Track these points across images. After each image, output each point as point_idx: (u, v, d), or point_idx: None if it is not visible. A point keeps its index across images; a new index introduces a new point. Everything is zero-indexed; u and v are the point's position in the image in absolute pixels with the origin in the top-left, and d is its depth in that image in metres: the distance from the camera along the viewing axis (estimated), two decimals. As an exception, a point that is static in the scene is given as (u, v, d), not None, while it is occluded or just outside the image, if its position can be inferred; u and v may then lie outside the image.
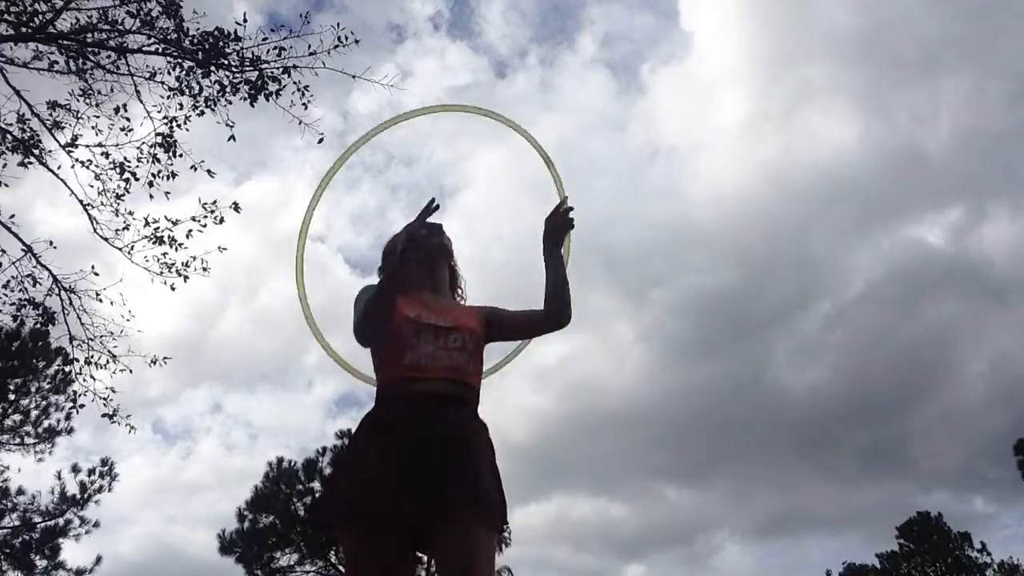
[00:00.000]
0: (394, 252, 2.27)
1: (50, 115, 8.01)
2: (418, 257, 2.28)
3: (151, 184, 8.12)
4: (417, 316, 2.22)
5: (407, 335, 2.19)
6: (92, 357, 8.55)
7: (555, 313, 2.38)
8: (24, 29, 7.44)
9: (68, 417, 15.26)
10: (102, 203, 8.31)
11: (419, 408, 2.10)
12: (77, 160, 8.13)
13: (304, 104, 7.68)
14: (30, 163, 8.01)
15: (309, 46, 7.55)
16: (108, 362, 8.55)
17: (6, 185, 7.81)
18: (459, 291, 2.54)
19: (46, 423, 15.50)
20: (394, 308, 2.18)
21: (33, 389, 15.58)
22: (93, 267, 8.30)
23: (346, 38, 7.51)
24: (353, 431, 2.19)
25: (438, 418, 2.09)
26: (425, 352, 2.17)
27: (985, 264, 52.10)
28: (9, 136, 7.93)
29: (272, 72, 7.72)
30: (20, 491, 15.43)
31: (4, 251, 8.14)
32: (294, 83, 7.69)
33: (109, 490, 15.91)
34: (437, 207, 2.18)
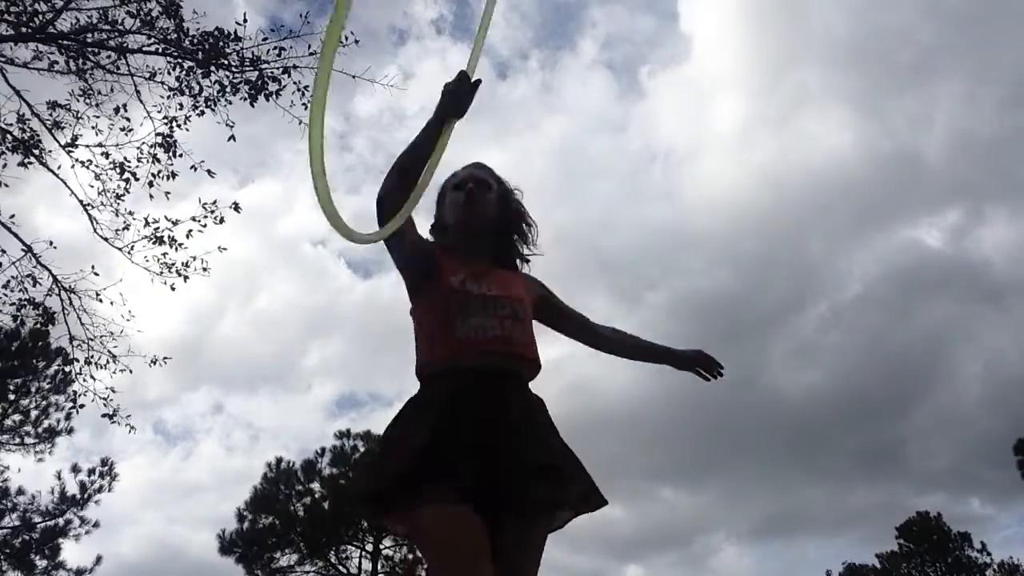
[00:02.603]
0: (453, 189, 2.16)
1: (50, 115, 8.01)
2: (472, 227, 2.12)
3: (151, 184, 8.13)
4: (461, 285, 2.00)
5: (452, 307, 1.96)
6: (92, 357, 8.55)
7: (607, 346, 2.34)
8: (24, 29, 7.44)
9: (68, 417, 15.28)
10: (102, 203, 8.32)
11: (472, 386, 1.88)
12: (77, 160, 8.13)
13: (304, 104, 7.68)
14: (30, 163, 8.01)
15: (309, 46, 7.57)
16: (108, 362, 8.55)
17: (6, 185, 7.81)
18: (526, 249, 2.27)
19: (46, 423, 15.53)
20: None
21: (33, 389, 15.59)
22: (93, 267, 8.30)
23: (346, 38, 7.51)
24: (398, 413, 1.95)
25: (492, 398, 1.87)
26: (472, 324, 1.95)
27: (982, 266, 52.12)
28: (9, 136, 7.92)
29: (272, 72, 7.73)
30: (20, 491, 15.47)
31: (4, 251, 8.14)
32: (294, 83, 7.71)
33: (109, 490, 15.97)
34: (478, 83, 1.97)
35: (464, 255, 2.08)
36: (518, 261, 2.23)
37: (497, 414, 1.84)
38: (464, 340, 1.92)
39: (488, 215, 2.15)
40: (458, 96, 1.96)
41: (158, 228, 8.35)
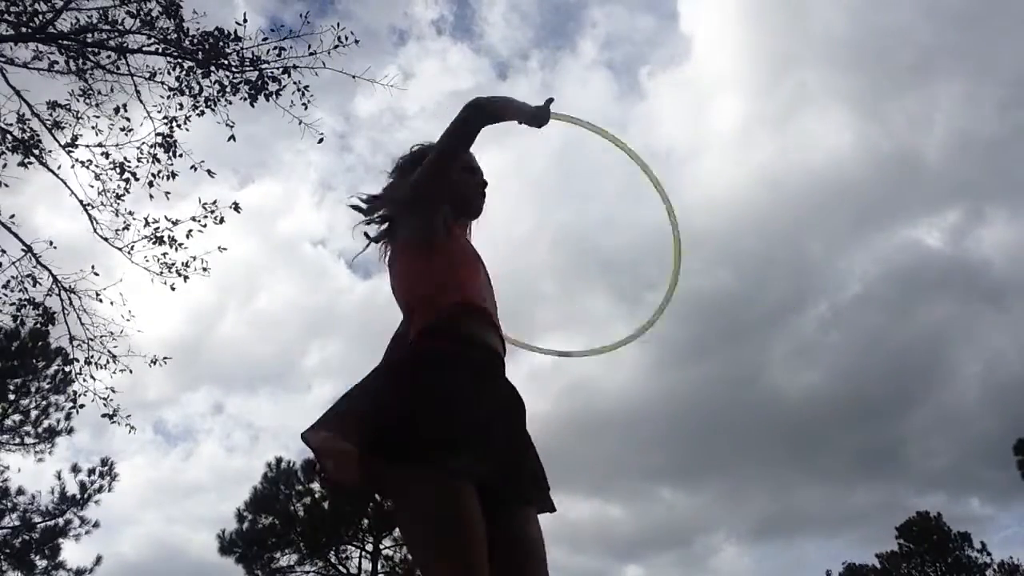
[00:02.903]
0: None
1: (50, 115, 8.01)
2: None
3: (151, 184, 8.13)
4: (474, 254, 2.03)
5: (473, 265, 1.96)
6: (92, 357, 8.56)
7: None
8: (24, 29, 7.44)
9: (68, 417, 15.30)
10: (102, 203, 8.32)
11: (488, 365, 1.85)
12: (77, 160, 8.13)
13: (304, 104, 7.68)
14: (30, 163, 8.01)
15: (309, 46, 7.56)
16: (108, 362, 8.55)
17: (6, 185, 7.81)
18: None
19: (46, 423, 15.54)
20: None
21: (33, 389, 15.59)
22: (93, 267, 8.31)
23: (346, 38, 7.51)
24: (427, 357, 1.79)
25: (504, 386, 1.88)
26: (487, 293, 1.95)
27: (982, 266, 52.18)
28: (9, 136, 7.92)
29: (272, 72, 7.72)
30: (20, 491, 15.48)
31: (4, 251, 8.15)
32: (294, 83, 7.70)
33: (109, 490, 15.98)
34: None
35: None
36: None
37: (509, 407, 1.84)
38: (482, 298, 1.90)
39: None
40: (541, 116, 2.05)
41: (158, 228, 8.37)
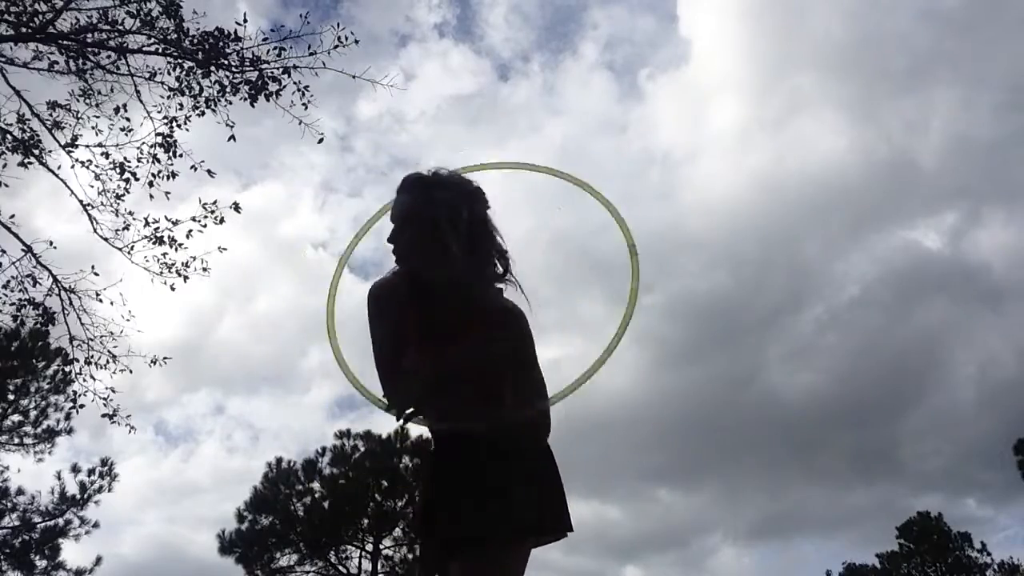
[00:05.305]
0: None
1: (50, 115, 8.01)
2: None
3: (151, 184, 8.12)
4: None
5: None
6: (92, 357, 8.55)
7: None
8: (24, 29, 7.44)
9: (68, 417, 15.33)
10: (102, 203, 8.32)
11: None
12: (77, 160, 8.13)
13: (304, 104, 7.68)
14: (30, 163, 8.00)
15: (309, 46, 7.55)
16: (108, 362, 8.55)
17: (6, 185, 7.81)
18: None
19: (46, 423, 15.55)
20: None
21: (33, 389, 15.60)
22: (93, 267, 8.31)
23: (345, 39, 7.50)
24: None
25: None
26: None
27: (979, 268, 52.20)
28: (9, 136, 7.92)
29: (272, 72, 7.72)
30: (20, 491, 15.49)
31: (4, 251, 8.15)
32: (294, 83, 7.69)
33: (109, 490, 15.99)
34: None
35: None
36: None
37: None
38: None
39: None
40: None
41: (158, 228, 8.36)
